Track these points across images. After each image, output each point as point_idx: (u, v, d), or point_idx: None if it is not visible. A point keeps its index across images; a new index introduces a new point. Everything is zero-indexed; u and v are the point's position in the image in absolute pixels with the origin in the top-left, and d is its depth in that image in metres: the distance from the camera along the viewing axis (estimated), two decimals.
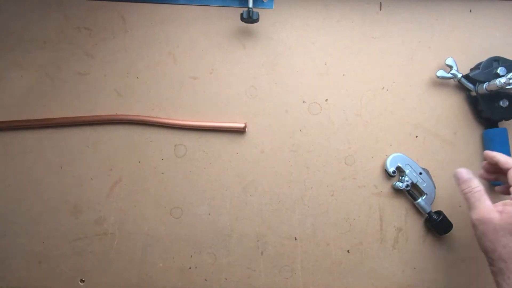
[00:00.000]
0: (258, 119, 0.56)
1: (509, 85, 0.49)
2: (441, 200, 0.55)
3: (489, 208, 0.43)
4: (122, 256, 0.55)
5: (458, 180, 0.47)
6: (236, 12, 0.56)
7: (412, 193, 0.54)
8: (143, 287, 0.54)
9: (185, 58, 0.56)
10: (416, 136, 0.56)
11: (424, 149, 0.56)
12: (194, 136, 0.55)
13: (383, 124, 0.56)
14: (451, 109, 0.56)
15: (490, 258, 0.43)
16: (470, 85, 0.54)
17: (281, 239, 0.55)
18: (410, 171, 0.54)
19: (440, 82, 0.56)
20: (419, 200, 0.54)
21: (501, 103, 0.53)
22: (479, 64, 0.54)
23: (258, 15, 0.53)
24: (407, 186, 0.53)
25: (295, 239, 0.55)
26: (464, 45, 0.56)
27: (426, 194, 0.54)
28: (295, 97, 0.56)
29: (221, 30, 0.56)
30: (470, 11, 0.57)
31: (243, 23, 0.55)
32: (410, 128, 0.56)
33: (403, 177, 0.54)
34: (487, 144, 0.54)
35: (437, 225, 0.53)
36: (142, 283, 0.54)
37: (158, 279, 0.54)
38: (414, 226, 0.55)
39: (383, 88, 0.56)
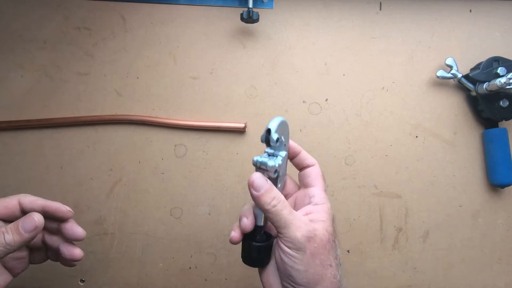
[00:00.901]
0: (258, 119, 0.56)
1: (509, 85, 0.49)
2: None
3: (307, 221, 0.34)
4: (122, 256, 0.55)
5: (256, 190, 0.34)
6: (236, 12, 0.56)
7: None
8: (143, 287, 0.54)
9: (185, 58, 0.56)
10: (416, 136, 0.56)
11: (424, 149, 0.56)
12: (194, 136, 0.55)
13: (383, 124, 0.56)
14: (451, 109, 0.56)
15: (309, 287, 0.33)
16: (470, 85, 0.54)
17: None
18: (285, 153, 0.37)
19: (440, 82, 0.56)
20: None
21: (501, 103, 0.53)
22: (479, 64, 0.54)
23: (258, 15, 0.53)
24: (274, 172, 0.35)
25: None
26: (464, 45, 0.56)
27: (279, 189, 0.38)
28: (295, 97, 0.56)
29: (221, 30, 0.56)
30: (470, 11, 0.57)
31: (243, 23, 0.55)
32: (410, 128, 0.56)
33: (275, 156, 0.36)
34: (487, 144, 0.55)
35: (250, 250, 0.37)
36: (142, 283, 0.54)
37: (158, 279, 0.54)
38: (414, 226, 0.55)
39: (383, 88, 0.56)
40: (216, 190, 0.55)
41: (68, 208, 0.39)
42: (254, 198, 0.34)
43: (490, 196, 0.55)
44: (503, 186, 0.54)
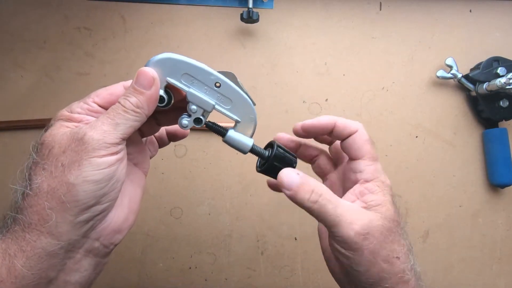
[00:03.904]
0: (258, 119, 0.55)
1: (509, 85, 0.49)
2: None
3: (359, 211, 0.29)
4: (122, 256, 0.55)
5: (288, 188, 0.29)
6: (236, 12, 0.56)
7: (214, 126, 0.32)
8: (143, 287, 0.54)
9: None
10: (416, 136, 0.56)
11: (424, 149, 0.55)
12: (194, 136, 0.55)
13: (383, 124, 0.56)
14: (451, 109, 0.56)
15: (376, 286, 0.28)
16: (470, 85, 0.54)
17: (281, 239, 0.55)
18: (197, 86, 0.30)
19: (440, 82, 0.56)
20: (230, 133, 0.32)
21: (501, 103, 0.53)
22: (479, 64, 0.54)
23: (258, 15, 0.53)
24: (200, 118, 0.31)
25: (295, 239, 0.55)
26: (464, 45, 0.56)
27: (239, 120, 0.32)
28: (295, 97, 0.56)
29: (221, 30, 0.56)
30: (470, 11, 0.57)
31: (243, 23, 0.55)
32: (410, 128, 0.56)
33: (188, 104, 0.30)
34: (487, 144, 0.55)
35: (271, 166, 0.32)
36: (142, 283, 0.54)
37: (158, 279, 0.54)
38: (414, 226, 0.55)
39: (383, 88, 0.56)
40: (216, 190, 0.55)
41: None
42: (290, 198, 0.29)
43: (490, 196, 0.55)
44: (503, 186, 0.54)
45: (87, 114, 0.29)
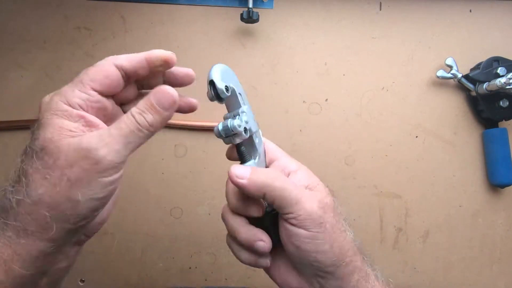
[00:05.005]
0: (258, 119, 0.55)
1: (509, 85, 0.49)
2: None
3: (309, 190, 0.30)
4: (122, 256, 0.55)
5: (240, 177, 0.29)
6: (236, 12, 0.56)
7: (243, 150, 0.31)
8: (143, 287, 0.54)
9: (185, 58, 0.56)
10: (416, 136, 0.56)
11: (424, 149, 0.56)
12: (194, 136, 0.55)
13: (383, 124, 0.56)
14: (451, 109, 0.56)
15: (338, 265, 0.28)
16: (470, 85, 0.54)
17: None
18: (247, 106, 0.31)
19: (440, 82, 0.56)
20: (250, 162, 0.31)
21: (501, 103, 0.53)
22: (479, 64, 0.54)
23: (258, 15, 0.53)
24: (244, 131, 0.30)
25: None
26: (464, 45, 0.56)
27: (259, 155, 0.32)
28: (295, 97, 0.56)
29: (221, 30, 0.56)
30: (470, 11, 0.57)
31: (243, 23, 0.55)
32: (410, 128, 0.56)
33: (238, 114, 0.30)
34: (487, 144, 0.55)
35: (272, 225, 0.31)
36: (142, 283, 0.54)
37: (158, 279, 0.54)
38: (414, 226, 0.55)
39: (383, 88, 0.56)
40: (216, 190, 0.55)
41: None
42: (243, 188, 0.28)
43: (490, 196, 0.55)
44: (503, 186, 0.54)
45: (88, 107, 0.27)
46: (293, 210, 0.28)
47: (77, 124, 0.26)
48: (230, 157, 0.34)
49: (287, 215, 0.28)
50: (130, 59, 0.28)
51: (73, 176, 0.25)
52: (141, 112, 0.27)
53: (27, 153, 0.26)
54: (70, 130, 0.26)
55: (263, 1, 0.56)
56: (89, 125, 0.27)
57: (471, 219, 0.55)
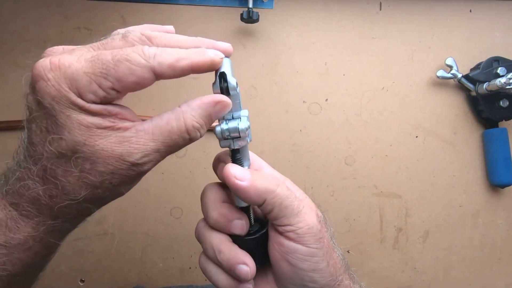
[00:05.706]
0: (259, 119, 0.56)
1: (509, 85, 0.49)
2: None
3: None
4: (122, 256, 0.55)
5: (241, 179, 0.26)
6: (236, 12, 0.56)
7: (239, 158, 0.29)
8: (143, 287, 0.54)
9: None
10: (416, 136, 0.56)
11: (424, 149, 0.56)
12: None
13: (383, 124, 0.56)
14: (451, 109, 0.56)
15: (333, 285, 0.25)
16: (470, 85, 0.54)
17: None
18: (246, 110, 0.29)
19: (440, 82, 0.56)
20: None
21: (501, 103, 0.53)
22: (479, 64, 0.54)
23: (258, 15, 0.53)
24: (249, 136, 0.28)
25: None
26: (464, 45, 0.56)
27: (249, 164, 0.30)
28: (295, 97, 0.56)
29: (221, 30, 0.56)
30: (470, 11, 0.57)
31: (243, 23, 0.55)
32: (410, 128, 0.56)
33: (239, 117, 0.28)
34: (487, 144, 0.55)
35: (254, 244, 0.28)
36: (142, 283, 0.54)
37: (158, 279, 0.54)
38: (414, 226, 0.55)
39: (383, 88, 0.56)
40: None
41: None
42: (242, 192, 0.25)
43: (490, 196, 0.55)
44: (503, 186, 0.54)
45: (103, 106, 0.23)
46: (293, 221, 0.24)
47: (102, 120, 0.23)
48: (217, 165, 0.30)
49: (284, 228, 0.25)
50: (175, 68, 0.24)
51: (115, 181, 0.24)
52: (197, 121, 0.24)
53: (48, 152, 0.23)
54: (98, 128, 0.23)
55: (263, 1, 0.56)
56: (116, 116, 0.24)
57: (471, 219, 0.55)
